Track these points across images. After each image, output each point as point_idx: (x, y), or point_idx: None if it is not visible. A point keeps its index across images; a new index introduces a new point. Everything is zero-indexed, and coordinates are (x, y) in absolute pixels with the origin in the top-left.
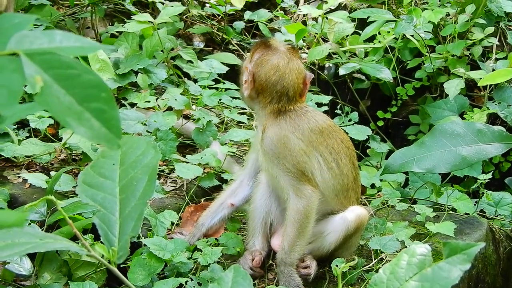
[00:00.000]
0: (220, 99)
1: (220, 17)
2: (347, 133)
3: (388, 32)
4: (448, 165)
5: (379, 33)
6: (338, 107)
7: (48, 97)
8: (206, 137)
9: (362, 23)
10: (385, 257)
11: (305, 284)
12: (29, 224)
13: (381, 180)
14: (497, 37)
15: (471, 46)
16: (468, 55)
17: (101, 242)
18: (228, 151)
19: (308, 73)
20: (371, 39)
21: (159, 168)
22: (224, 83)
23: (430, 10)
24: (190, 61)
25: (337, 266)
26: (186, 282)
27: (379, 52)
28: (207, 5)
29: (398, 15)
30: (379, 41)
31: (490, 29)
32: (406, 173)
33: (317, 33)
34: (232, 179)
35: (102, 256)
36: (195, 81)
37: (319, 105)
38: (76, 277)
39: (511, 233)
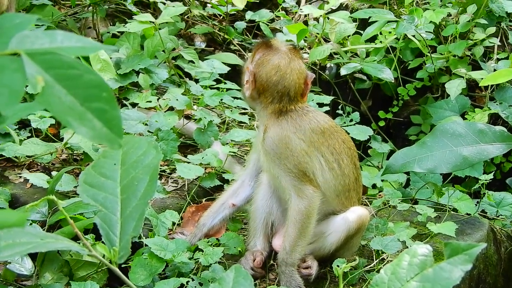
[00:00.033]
0: (221, 99)
1: (221, 17)
2: (348, 133)
3: (390, 32)
4: (449, 165)
5: (381, 33)
6: (340, 107)
7: (49, 97)
8: (207, 137)
9: (363, 23)
10: (387, 258)
11: (306, 284)
12: (31, 224)
13: (382, 180)
14: (499, 37)
15: (473, 46)
16: (469, 55)
17: (102, 242)
18: (230, 151)
19: (310, 73)
20: (372, 39)
21: (160, 168)
22: (225, 83)
23: (432, 10)
24: (192, 61)
25: (338, 266)
26: (187, 282)
27: (381, 52)
28: (208, 5)
29: (399, 15)
30: (381, 41)
31: (492, 29)
32: (407, 173)
33: (318, 33)
34: (233, 179)
35: (103, 256)
36: (197, 81)
37: (321, 105)
38: (77, 277)
39: None
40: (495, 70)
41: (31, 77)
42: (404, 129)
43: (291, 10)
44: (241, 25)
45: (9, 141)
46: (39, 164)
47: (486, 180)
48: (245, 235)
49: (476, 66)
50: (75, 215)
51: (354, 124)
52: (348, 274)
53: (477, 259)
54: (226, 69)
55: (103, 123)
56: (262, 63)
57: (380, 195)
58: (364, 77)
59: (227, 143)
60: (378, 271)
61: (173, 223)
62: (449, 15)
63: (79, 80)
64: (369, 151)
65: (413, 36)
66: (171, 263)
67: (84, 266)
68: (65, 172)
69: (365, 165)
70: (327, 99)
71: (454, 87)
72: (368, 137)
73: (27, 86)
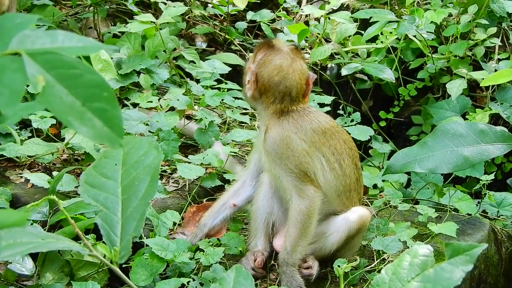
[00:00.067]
0: (222, 99)
1: (222, 17)
2: (349, 134)
3: (391, 32)
4: (450, 166)
5: (382, 33)
6: (341, 107)
7: (50, 97)
8: (208, 137)
9: (364, 24)
10: (387, 258)
11: (307, 284)
12: (31, 224)
13: (383, 181)
14: (500, 37)
15: (474, 46)
16: (470, 56)
17: (103, 242)
18: (230, 151)
19: (311, 73)
20: (373, 39)
21: (161, 168)
22: (226, 83)
23: (433, 10)
24: (193, 61)
25: (339, 266)
26: (188, 282)
27: (382, 52)
28: (209, 5)
29: (400, 15)
30: (382, 42)
31: (493, 30)
32: (408, 173)
33: (319, 34)
34: (234, 180)
35: (104, 256)
36: (197, 81)
37: (322, 105)
38: (78, 277)
39: None
40: (496, 70)
41: (32, 77)
42: (405, 129)
43: (292, 10)
44: (242, 25)
45: (10, 141)
46: (40, 164)
47: (487, 180)
48: (246, 235)
49: (477, 67)
50: (76, 215)
51: (355, 124)
52: (349, 274)
53: (478, 259)
54: (227, 69)
55: (103, 122)
56: (264, 63)
57: (381, 195)
58: (365, 77)
59: (228, 143)
60: (379, 271)
61: (174, 223)
62: (450, 15)
63: (80, 79)
64: (370, 151)
65: (414, 36)
66: (172, 263)
67: (85, 266)
68: (66, 172)
69: (366, 165)
70: (328, 99)
71: (455, 87)
72: (369, 137)
73: (28, 86)
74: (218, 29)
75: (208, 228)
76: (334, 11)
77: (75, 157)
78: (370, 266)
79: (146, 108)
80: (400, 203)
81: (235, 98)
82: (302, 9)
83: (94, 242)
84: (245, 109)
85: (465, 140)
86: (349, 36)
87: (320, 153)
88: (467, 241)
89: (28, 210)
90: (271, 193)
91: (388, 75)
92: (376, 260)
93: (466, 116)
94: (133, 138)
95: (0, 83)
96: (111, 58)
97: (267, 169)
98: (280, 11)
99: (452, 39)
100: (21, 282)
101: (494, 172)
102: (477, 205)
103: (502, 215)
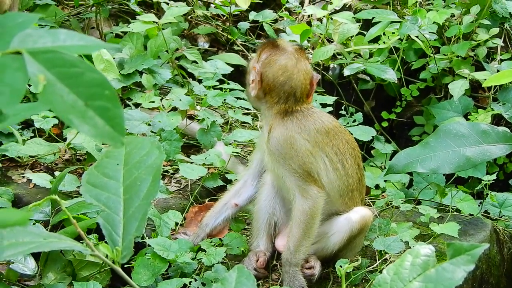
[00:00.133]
0: (224, 100)
1: (225, 17)
2: (351, 134)
3: (393, 33)
4: (452, 166)
5: (384, 34)
6: (343, 107)
7: (51, 96)
8: (210, 138)
9: (367, 24)
10: (389, 258)
11: (309, 284)
12: (34, 223)
13: (385, 181)
14: (502, 38)
15: (476, 47)
16: (472, 56)
17: (105, 242)
18: (233, 152)
19: (315, 74)
20: (375, 40)
21: (163, 169)
22: (228, 83)
23: (435, 11)
24: (195, 62)
25: (341, 266)
26: (190, 282)
27: (384, 53)
28: (212, 5)
29: (403, 16)
30: (384, 42)
31: (495, 30)
32: (410, 173)
33: (321, 34)
34: (236, 180)
35: (106, 256)
36: (200, 81)
37: (324, 105)
38: (80, 277)
39: None
40: (498, 71)
41: (33, 76)
42: (407, 129)
43: (294, 10)
44: (244, 25)
45: (12, 141)
46: (42, 164)
47: (489, 180)
48: (248, 235)
49: (479, 67)
50: (78, 215)
51: (357, 125)
52: (351, 275)
53: (480, 259)
54: (229, 69)
55: (105, 121)
56: (269, 63)
57: (383, 195)
58: (367, 78)
59: (230, 144)
60: (381, 272)
61: (176, 223)
62: (452, 15)
63: (81, 78)
64: (372, 152)
65: (417, 36)
66: (174, 263)
67: (87, 266)
68: (68, 172)
69: (368, 166)
70: (330, 99)
71: (457, 87)
72: (371, 138)
73: (30, 85)
74: (221, 29)
75: (210, 228)
76: (336, 11)
77: (77, 157)
78: (372, 266)
79: (148, 108)
80: (402, 203)
81: (238, 98)
82: (304, 10)
83: (96, 242)
84: (247, 109)
85: (467, 141)
86: (351, 37)
87: (324, 153)
88: (469, 241)
89: (30, 210)
90: (274, 193)
91: (391, 75)
92: (378, 260)
93: (468, 117)
94: (135, 138)
95: (1, 82)
96: (113, 58)
97: (270, 169)
98: (282, 11)
99: (455, 40)
100: (23, 282)
101: (496, 173)
102: (479, 205)
103: (504, 216)
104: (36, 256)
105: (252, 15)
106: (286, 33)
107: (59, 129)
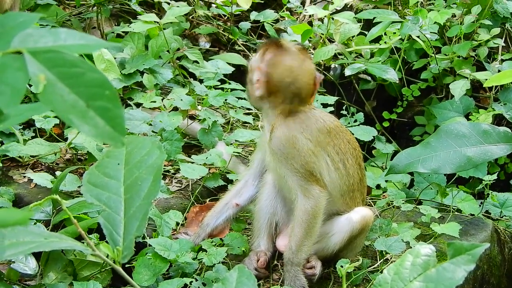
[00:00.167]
0: (225, 100)
1: (226, 17)
2: (352, 134)
3: (394, 33)
4: (453, 166)
5: (385, 34)
6: (344, 107)
7: (52, 96)
8: (211, 138)
9: (368, 24)
10: (390, 258)
11: (310, 284)
12: (35, 223)
13: (386, 181)
14: (503, 38)
15: (477, 47)
16: (473, 56)
17: (106, 242)
18: (234, 152)
19: (318, 74)
20: (377, 40)
21: (164, 168)
22: (229, 83)
23: (436, 11)
24: (196, 62)
25: (342, 266)
26: (190, 282)
27: (385, 53)
28: (213, 5)
29: (404, 16)
30: (385, 42)
31: (496, 30)
32: (411, 174)
33: (323, 34)
34: (237, 179)
35: (107, 256)
36: (201, 81)
37: (325, 105)
38: (81, 276)
39: None
40: (499, 71)
41: (34, 76)
42: (408, 129)
43: (295, 10)
44: (245, 25)
45: (13, 141)
46: (43, 164)
47: (490, 180)
48: (249, 235)
49: (480, 67)
50: (79, 214)
51: (358, 125)
52: (352, 275)
53: (480, 259)
54: (230, 69)
55: (106, 121)
56: (275, 63)
57: (384, 195)
58: (369, 78)
59: (231, 144)
60: (382, 272)
61: (177, 223)
62: (453, 16)
63: (82, 78)
64: (373, 152)
65: (418, 37)
66: (175, 263)
67: (88, 265)
68: (69, 172)
69: (369, 166)
70: (331, 99)
71: (459, 88)
72: (372, 138)
73: (31, 85)
74: (222, 29)
75: (211, 228)
76: (337, 11)
77: (78, 157)
78: (373, 267)
79: (150, 108)
80: (403, 203)
81: (239, 98)
82: (305, 10)
83: (97, 241)
84: (249, 109)
85: (468, 141)
86: (352, 37)
87: (326, 153)
88: (470, 241)
89: (31, 210)
90: (275, 193)
91: (392, 75)
92: (379, 260)
93: (470, 117)
94: (136, 137)
95: (2, 82)
96: (115, 58)
97: (272, 168)
98: (283, 11)
99: (456, 40)
100: (24, 282)
101: (497, 173)
102: (480, 205)
103: (505, 216)
104: (37, 255)
105: (253, 15)
106: (287, 33)
107: (60, 129)
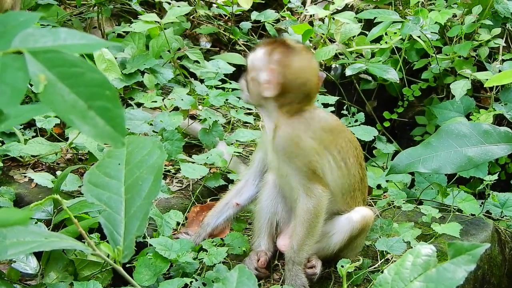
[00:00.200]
0: (226, 99)
1: (227, 17)
2: (353, 134)
3: (395, 33)
4: (454, 166)
5: (386, 34)
6: (345, 107)
7: (52, 96)
8: (212, 137)
9: (369, 24)
10: (391, 258)
11: (311, 284)
12: (36, 223)
13: (387, 181)
14: (504, 38)
15: (478, 47)
16: (474, 56)
17: (107, 242)
18: (234, 152)
19: (321, 72)
20: (377, 39)
21: (165, 168)
22: (230, 83)
23: (437, 11)
24: (197, 61)
25: (342, 266)
26: (191, 282)
27: (386, 53)
28: (214, 5)
29: (404, 16)
30: (386, 42)
31: (497, 30)
32: (412, 173)
33: (323, 34)
34: (237, 179)
35: (108, 256)
36: (202, 81)
37: (326, 105)
38: (82, 276)
39: None
40: (500, 71)
41: (34, 76)
42: (409, 129)
43: (296, 10)
44: (246, 25)
45: (14, 140)
46: (44, 163)
47: (490, 180)
48: (250, 235)
49: (481, 67)
50: (79, 214)
51: (359, 125)
52: (353, 275)
53: (481, 259)
54: (231, 69)
55: (106, 121)
56: (288, 64)
57: (384, 195)
58: (369, 78)
59: (232, 143)
60: (382, 272)
61: (178, 223)
62: (454, 16)
63: (82, 78)
64: (374, 152)
65: (418, 37)
66: (176, 263)
67: (89, 265)
68: (69, 172)
69: (370, 166)
70: (332, 99)
71: (459, 88)
72: (373, 138)
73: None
74: (223, 29)
75: (211, 227)
76: (338, 11)
77: (79, 156)
78: (374, 267)
79: (150, 108)
80: (404, 203)
81: (239, 98)
82: (306, 9)
83: (98, 241)
84: (249, 109)
85: (469, 141)
86: (353, 37)
87: (328, 152)
88: (470, 241)
89: (32, 209)
90: (275, 192)
91: (392, 75)
92: (380, 260)
93: (470, 117)
94: (137, 137)
95: (2, 82)
96: (115, 58)
97: (274, 167)
98: (284, 11)
99: (456, 40)
100: (24, 281)
101: (498, 173)
102: (480, 205)
103: (505, 216)
104: (38, 255)
105: (254, 15)
106: (288, 33)
107: (61, 128)
